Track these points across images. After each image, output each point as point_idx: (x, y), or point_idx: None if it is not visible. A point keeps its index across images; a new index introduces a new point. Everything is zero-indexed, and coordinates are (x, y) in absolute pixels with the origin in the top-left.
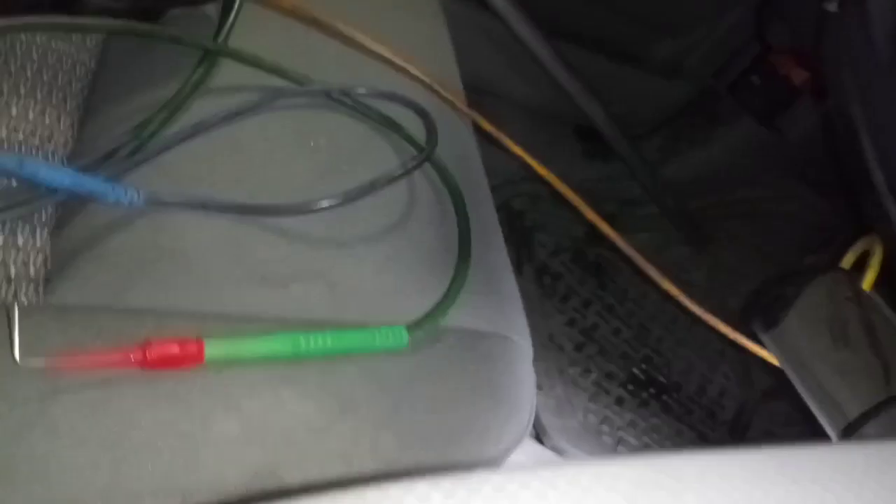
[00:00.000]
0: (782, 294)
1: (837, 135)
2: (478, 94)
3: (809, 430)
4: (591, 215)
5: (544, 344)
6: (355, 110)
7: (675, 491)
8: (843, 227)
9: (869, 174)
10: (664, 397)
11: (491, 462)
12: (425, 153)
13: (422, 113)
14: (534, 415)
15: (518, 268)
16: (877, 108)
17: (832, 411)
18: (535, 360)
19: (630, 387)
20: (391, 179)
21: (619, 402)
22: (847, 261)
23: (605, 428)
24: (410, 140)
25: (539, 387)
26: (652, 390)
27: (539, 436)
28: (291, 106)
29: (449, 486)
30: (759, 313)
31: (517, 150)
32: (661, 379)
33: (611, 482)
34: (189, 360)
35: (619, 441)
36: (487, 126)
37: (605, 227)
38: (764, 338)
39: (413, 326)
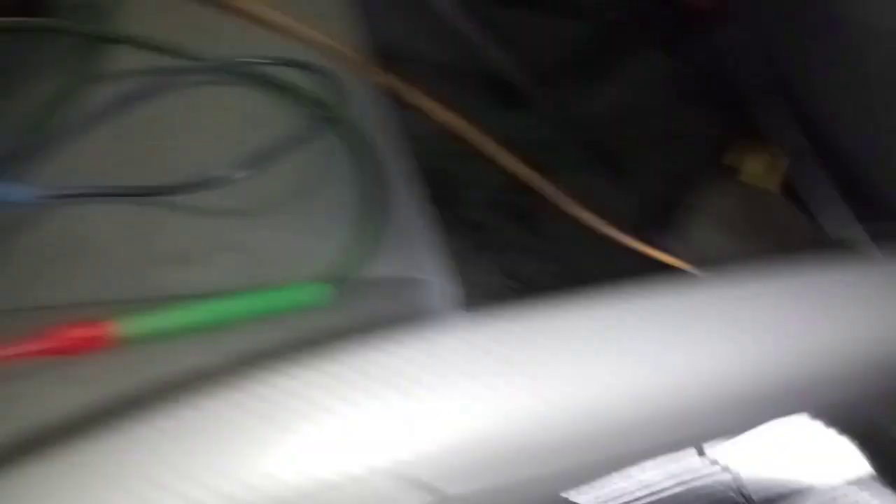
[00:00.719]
0: (688, 203)
1: (739, 58)
2: (387, 57)
3: None
4: (515, 165)
5: (487, 297)
6: (258, 82)
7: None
8: (747, 139)
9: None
10: None
11: None
12: (330, 113)
13: (325, 75)
14: None
15: (449, 227)
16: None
17: None
18: None
19: None
20: (297, 142)
21: None
22: (751, 167)
23: None
24: (318, 104)
25: None
26: None
27: None
28: (191, 84)
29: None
30: (666, 224)
31: (434, 108)
32: None
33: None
34: (101, 341)
35: None
36: (400, 87)
37: (531, 175)
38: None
39: (330, 280)
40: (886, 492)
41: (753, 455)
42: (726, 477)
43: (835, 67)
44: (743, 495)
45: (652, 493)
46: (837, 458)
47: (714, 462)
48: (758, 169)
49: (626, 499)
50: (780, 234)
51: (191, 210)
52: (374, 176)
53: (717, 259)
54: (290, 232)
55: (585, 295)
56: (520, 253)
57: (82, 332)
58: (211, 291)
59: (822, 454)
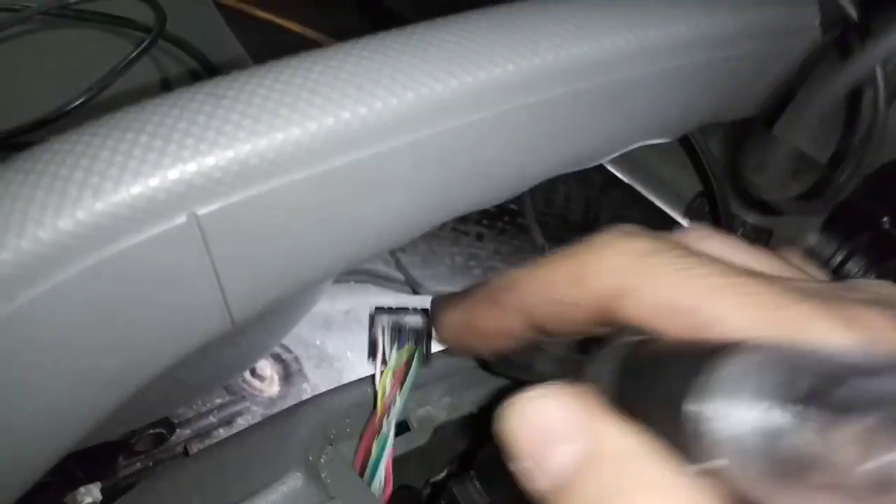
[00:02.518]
0: None
1: None
2: None
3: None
4: None
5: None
6: (81, 20)
7: None
8: None
9: None
10: (518, 220)
11: None
12: (154, 31)
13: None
14: None
15: None
16: None
17: (671, 195)
18: None
19: (485, 222)
20: (125, 66)
21: (480, 237)
22: None
23: (472, 263)
24: (144, 29)
25: (401, 249)
26: (506, 218)
27: (415, 290)
28: (18, 33)
29: None
30: None
31: (274, 20)
32: (511, 206)
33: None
34: None
35: (489, 270)
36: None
37: None
38: None
39: None
40: None
41: None
42: None
43: None
44: None
45: None
46: None
47: None
48: None
49: None
50: None
51: None
52: None
53: None
54: None
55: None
56: None
57: None
58: None
59: None
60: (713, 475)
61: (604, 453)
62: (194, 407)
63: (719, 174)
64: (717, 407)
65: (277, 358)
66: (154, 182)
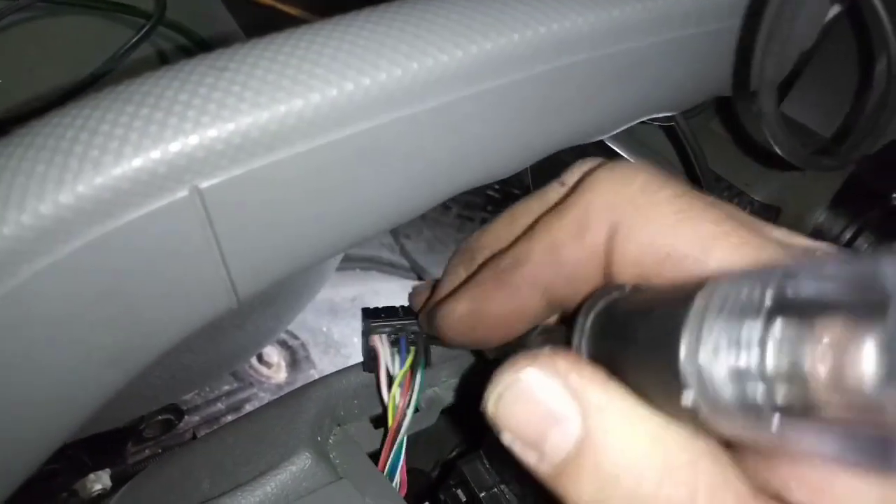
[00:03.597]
0: None
1: None
2: None
3: None
4: None
5: None
6: (81, 7)
7: None
8: None
9: None
10: None
11: None
12: (154, 17)
13: None
14: None
15: None
16: None
17: (675, 175)
18: None
19: (490, 208)
20: (125, 51)
21: (484, 223)
22: None
23: None
24: (144, 15)
25: (406, 235)
26: (510, 204)
27: (420, 277)
28: (14, 22)
29: None
30: None
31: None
32: (516, 191)
33: None
34: None
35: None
36: None
37: None
38: None
39: None
40: None
41: None
42: None
43: None
44: None
45: None
46: None
47: None
48: None
49: None
50: None
51: None
52: None
53: None
54: None
55: None
56: None
57: None
58: None
59: None
60: (700, 422)
61: (598, 437)
62: (202, 394)
63: (701, 159)
64: (692, 354)
65: (284, 344)
66: (155, 155)
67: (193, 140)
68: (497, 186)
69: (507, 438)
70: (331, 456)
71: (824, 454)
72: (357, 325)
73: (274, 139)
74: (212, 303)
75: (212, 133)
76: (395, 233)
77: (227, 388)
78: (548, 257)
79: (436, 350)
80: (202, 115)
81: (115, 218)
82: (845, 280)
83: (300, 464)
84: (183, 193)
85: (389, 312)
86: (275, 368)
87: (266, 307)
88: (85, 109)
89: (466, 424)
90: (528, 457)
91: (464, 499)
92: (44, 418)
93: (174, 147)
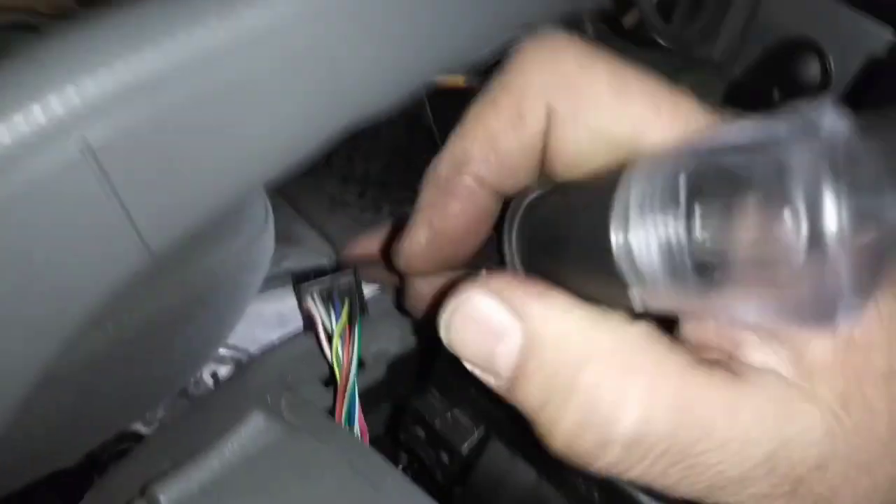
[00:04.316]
0: None
1: None
2: None
3: None
4: None
5: (330, 208)
6: None
7: None
8: None
9: None
10: None
11: None
12: None
13: None
14: None
15: None
16: None
17: None
18: (328, 224)
19: None
20: None
21: None
22: None
23: None
24: None
25: (343, 243)
26: None
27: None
28: None
29: None
30: None
31: None
32: None
33: None
34: None
35: None
36: None
37: None
38: None
39: None
40: None
41: None
42: None
43: None
44: None
45: None
46: None
47: None
48: None
49: None
50: None
51: None
52: None
53: None
54: None
55: None
56: (348, 158)
57: None
58: None
59: None
60: (637, 304)
61: (536, 340)
62: (159, 420)
63: None
64: (621, 240)
65: (238, 362)
66: (35, 108)
67: (69, 90)
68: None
69: (468, 366)
70: (284, 415)
71: (745, 317)
72: None
73: (149, 82)
74: (124, 258)
75: (88, 81)
76: (332, 241)
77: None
78: (487, 153)
79: (374, 304)
80: (75, 64)
81: (5, 177)
82: (755, 148)
83: (253, 424)
84: (71, 147)
85: (319, 273)
86: None
87: (202, 306)
88: None
89: (415, 370)
90: (487, 379)
91: (423, 435)
92: None
93: (52, 98)
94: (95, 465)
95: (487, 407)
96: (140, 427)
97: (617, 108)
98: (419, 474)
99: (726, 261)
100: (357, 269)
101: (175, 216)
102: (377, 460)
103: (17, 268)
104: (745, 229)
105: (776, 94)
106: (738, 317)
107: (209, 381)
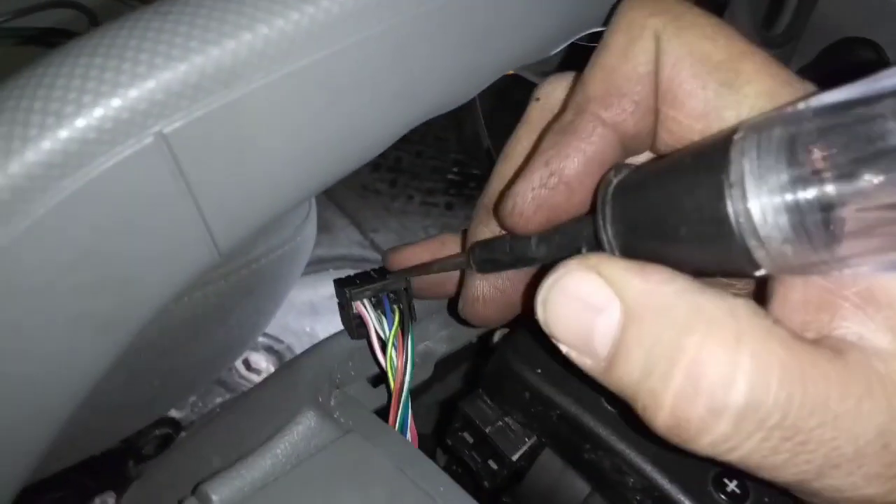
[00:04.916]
0: None
1: None
2: None
3: None
4: None
5: (362, 195)
6: (16, 38)
7: None
8: None
9: None
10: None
11: None
12: None
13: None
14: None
15: None
16: None
17: None
18: (359, 211)
19: (452, 191)
20: None
21: (449, 206)
22: None
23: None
24: None
25: (374, 230)
26: (472, 184)
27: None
28: None
29: None
30: None
31: None
32: (475, 171)
33: None
34: None
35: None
36: None
37: None
38: None
39: None
40: None
41: None
42: None
43: None
44: None
45: None
46: None
47: None
48: None
49: None
50: None
51: None
52: None
53: None
54: None
55: None
56: None
57: None
58: None
59: None
60: (750, 271)
61: (637, 311)
62: (196, 409)
63: None
64: (740, 204)
65: (270, 350)
66: (115, 102)
67: (150, 84)
68: (456, 170)
69: (563, 349)
70: (335, 415)
71: (880, 264)
72: (339, 320)
73: (229, 75)
74: (193, 255)
75: (167, 74)
76: (363, 229)
77: (219, 399)
78: (605, 91)
79: (421, 304)
80: (155, 58)
81: (84, 170)
82: (867, 100)
83: (305, 423)
84: (148, 140)
85: (363, 278)
86: (264, 374)
87: (246, 296)
88: (38, 68)
89: (462, 370)
90: (584, 362)
91: (471, 440)
92: (48, 392)
93: (132, 92)
94: (130, 449)
95: (542, 416)
96: (174, 412)
97: (716, 38)
98: (459, 478)
99: (853, 213)
100: (409, 278)
101: (245, 214)
102: (430, 466)
103: (92, 263)
104: (870, 182)
105: None
106: (861, 268)
107: (241, 367)
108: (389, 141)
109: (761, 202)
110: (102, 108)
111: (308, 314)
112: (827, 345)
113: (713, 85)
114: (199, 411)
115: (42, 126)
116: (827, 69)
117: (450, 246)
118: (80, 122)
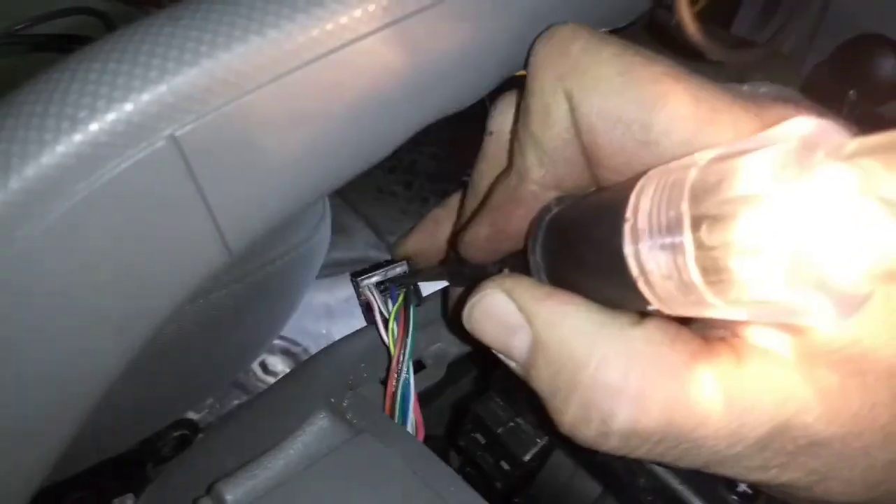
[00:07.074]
0: None
1: None
2: None
3: None
4: None
5: (378, 198)
6: (33, 46)
7: None
8: None
9: None
10: None
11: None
12: None
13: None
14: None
15: None
16: None
17: None
18: (375, 214)
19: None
20: None
21: None
22: None
23: None
24: None
25: (390, 232)
26: None
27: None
28: None
29: None
30: None
31: None
32: None
33: None
34: None
35: None
36: None
37: None
38: None
39: None
40: None
41: None
42: None
43: None
44: None
45: None
46: None
47: None
48: None
49: None
50: None
51: None
52: None
53: None
54: None
55: None
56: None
57: None
58: None
59: None
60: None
61: (542, 340)
62: (213, 410)
63: None
64: (632, 249)
65: (286, 352)
66: (128, 106)
67: (162, 88)
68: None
69: (493, 350)
70: (348, 416)
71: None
72: (355, 323)
73: (239, 78)
74: (205, 256)
75: (178, 79)
76: (379, 231)
77: (236, 401)
78: (539, 158)
79: (433, 305)
80: (167, 63)
81: (97, 173)
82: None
83: (318, 424)
84: (160, 143)
85: (375, 267)
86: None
87: (261, 298)
88: (54, 73)
89: (474, 372)
90: (507, 362)
91: (483, 441)
92: (61, 395)
93: (145, 97)
94: (149, 450)
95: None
96: (192, 414)
97: (625, 92)
98: (473, 479)
99: (728, 271)
100: (409, 261)
101: (255, 214)
102: (441, 467)
103: (107, 264)
104: (743, 242)
105: (852, 94)
106: (740, 320)
107: (258, 370)
108: (399, 141)
109: (650, 241)
110: (116, 112)
111: (324, 317)
112: (734, 346)
113: (630, 145)
114: (216, 413)
115: (57, 130)
116: (842, 66)
117: (444, 224)
118: (94, 127)
